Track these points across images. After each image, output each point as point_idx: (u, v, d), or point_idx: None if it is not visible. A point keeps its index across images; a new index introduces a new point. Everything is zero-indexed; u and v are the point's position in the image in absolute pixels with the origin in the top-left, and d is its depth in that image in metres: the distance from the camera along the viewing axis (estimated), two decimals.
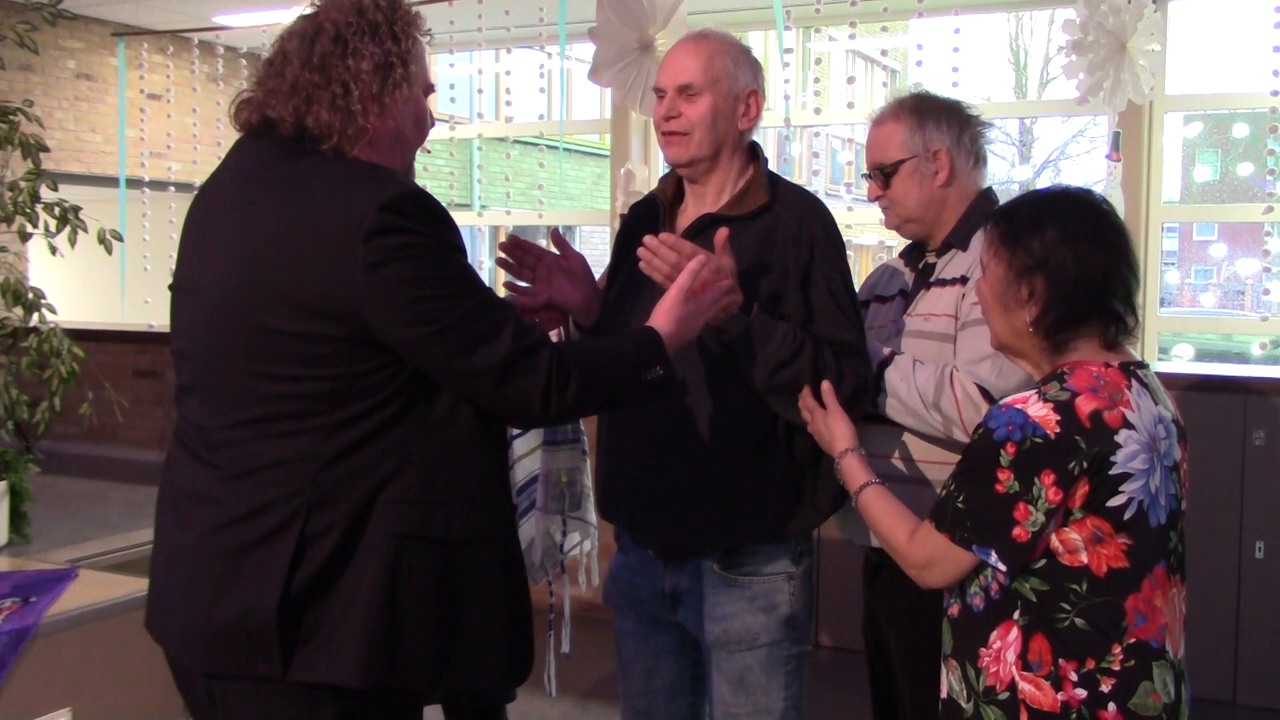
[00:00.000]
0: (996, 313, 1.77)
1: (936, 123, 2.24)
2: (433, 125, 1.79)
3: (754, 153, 2.15)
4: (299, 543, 1.53)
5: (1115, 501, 1.62)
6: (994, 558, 1.64)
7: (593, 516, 2.50)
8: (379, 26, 1.64)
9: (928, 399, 2.08)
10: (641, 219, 2.23)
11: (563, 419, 1.88)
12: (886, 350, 2.17)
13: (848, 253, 2.16)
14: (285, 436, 1.56)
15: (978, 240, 2.00)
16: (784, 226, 2.06)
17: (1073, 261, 1.69)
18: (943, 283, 2.22)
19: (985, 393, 2.03)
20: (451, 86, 7.69)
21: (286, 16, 1.71)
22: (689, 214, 2.14)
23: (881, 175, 2.26)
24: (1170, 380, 4.06)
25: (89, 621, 2.19)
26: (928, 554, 1.72)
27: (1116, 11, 3.93)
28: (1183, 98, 5.63)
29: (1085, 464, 1.60)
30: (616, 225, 4.73)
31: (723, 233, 1.94)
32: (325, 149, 1.61)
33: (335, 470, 1.55)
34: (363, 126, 1.62)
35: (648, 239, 1.91)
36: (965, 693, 1.73)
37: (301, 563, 1.53)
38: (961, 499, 1.67)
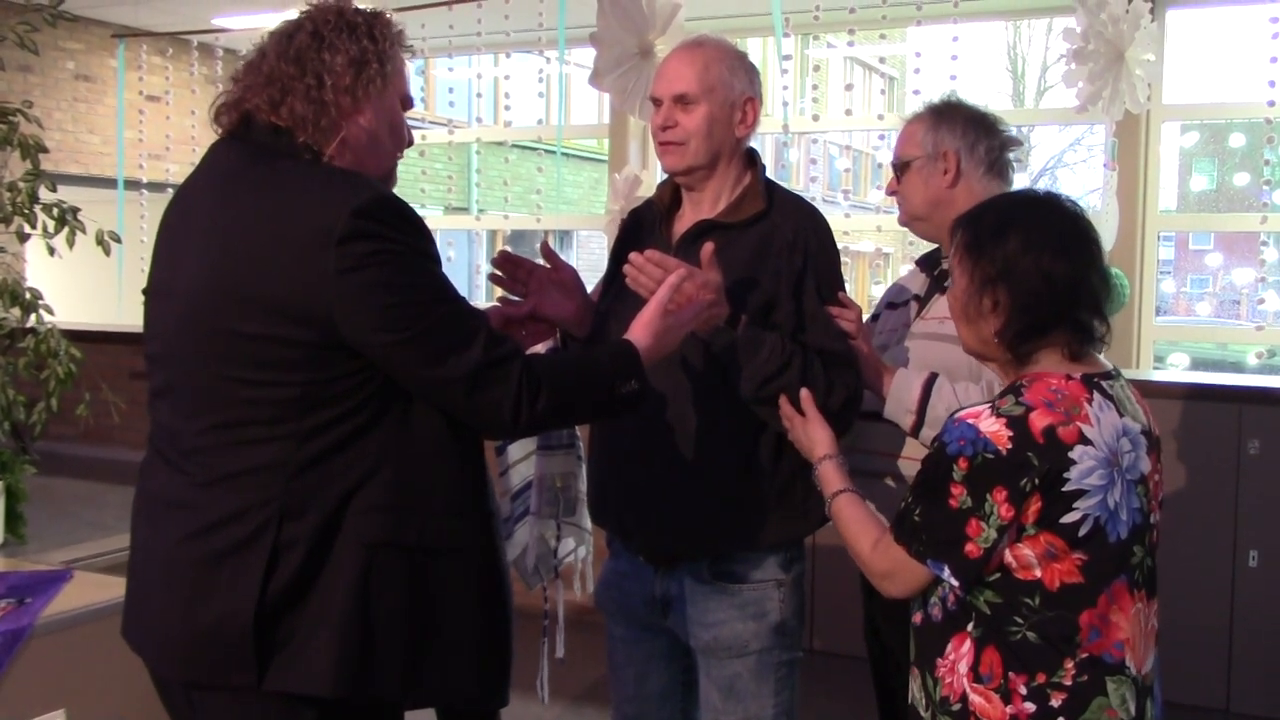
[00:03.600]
0: (962, 323, 1.75)
1: (951, 126, 2.28)
2: (410, 143, 1.79)
3: (751, 159, 2.15)
4: (272, 551, 1.52)
5: (1069, 518, 1.58)
6: (947, 573, 1.62)
7: (588, 522, 2.50)
8: (357, 26, 1.65)
9: None
10: (638, 226, 2.23)
11: (534, 430, 1.85)
12: (924, 375, 2.14)
13: (844, 260, 2.16)
14: (256, 443, 1.55)
15: None
16: (779, 234, 2.06)
17: (1035, 273, 1.64)
18: None
19: None
20: (450, 90, 7.69)
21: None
22: (686, 220, 2.14)
23: (897, 170, 2.33)
24: (1165, 389, 4.07)
25: (84, 623, 2.18)
26: (888, 565, 1.70)
27: (1115, 21, 3.95)
28: (1180, 107, 5.66)
29: (1037, 480, 1.57)
30: (610, 229, 4.73)
31: (708, 248, 1.93)
32: (300, 144, 1.61)
33: (307, 478, 1.54)
34: (336, 120, 1.62)
35: (633, 256, 1.91)
36: (924, 701, 1.72)
37: (275, 571, 1.52)
38: (918, 512, 1.65)
